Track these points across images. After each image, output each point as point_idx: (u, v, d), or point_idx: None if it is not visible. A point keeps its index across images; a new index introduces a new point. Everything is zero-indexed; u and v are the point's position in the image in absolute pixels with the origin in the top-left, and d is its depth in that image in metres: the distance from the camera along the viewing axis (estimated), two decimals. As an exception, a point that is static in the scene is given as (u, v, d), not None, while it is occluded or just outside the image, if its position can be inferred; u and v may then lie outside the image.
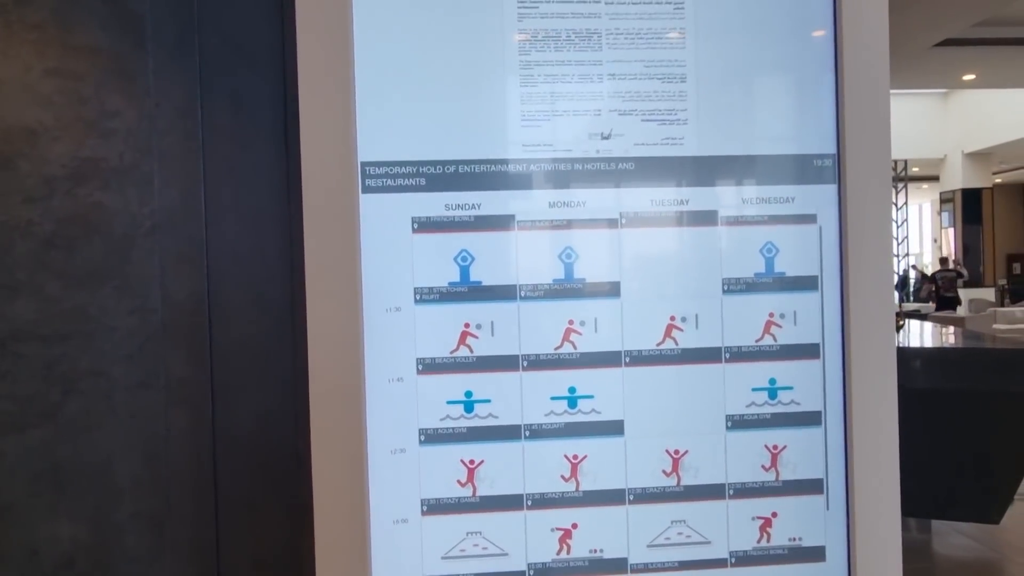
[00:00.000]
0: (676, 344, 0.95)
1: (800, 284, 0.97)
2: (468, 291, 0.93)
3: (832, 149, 0.95)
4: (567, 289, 0.94)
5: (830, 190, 0.96)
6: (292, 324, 1.10)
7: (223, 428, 1.12)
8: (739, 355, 0.96)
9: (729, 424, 0.96)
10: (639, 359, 0.95)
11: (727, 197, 0.95)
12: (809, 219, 0.97)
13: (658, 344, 0.95)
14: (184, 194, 1.12)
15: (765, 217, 0.96)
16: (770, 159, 0.96)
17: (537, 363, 0.94)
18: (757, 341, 0.96)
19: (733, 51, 0.95)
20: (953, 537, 3.44)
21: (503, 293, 0.93)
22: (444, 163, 0.91)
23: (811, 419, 0.97)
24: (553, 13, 0.92)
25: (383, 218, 0.91)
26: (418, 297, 0.92)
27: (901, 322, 3.76)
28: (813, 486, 0.97)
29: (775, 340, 0.96)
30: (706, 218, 0.96)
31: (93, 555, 1.09)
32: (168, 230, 1.11)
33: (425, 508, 0.93)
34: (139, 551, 1.10)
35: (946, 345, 3.80)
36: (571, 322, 0.94)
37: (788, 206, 0.96)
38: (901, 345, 3.59)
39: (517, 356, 0.93)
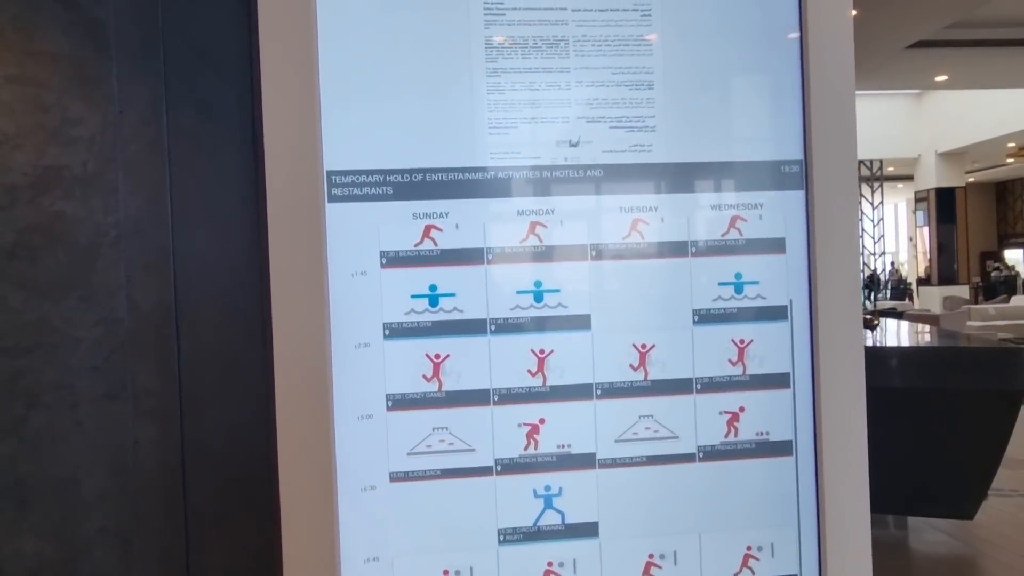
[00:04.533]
0: (642, 237, 0.95)
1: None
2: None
3: (799, 155, 0.96)
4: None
5: (797, 196, 0.96)
6: (262, 333, 1.09)
7: (192, 439, 1.10)
8: (705, 248, 0.96)
9: (696, 318, 0.96)
10: (605, 252, 0.94)
11: (695, 203, 0.95)
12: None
13: (624, 237, 0.95)
14: (150, 202, 1.10)
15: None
16: (738, 165, 0.96)
17: (502, 256, 0.93)
18: (723, 235, 0.96)
19: (700, 58, 0.95)
20: (929, 533, 3.48)
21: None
22: (411, 171, 0.90)
23: (777, 313, 0.97)
24: (520, 20, 0.91)
25: (350, 227, 0.90)
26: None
27: (876, 321, 3.80)
28: (780, 380, 0.97)
29: (741, 235, 0.96)
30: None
31: (59, 571, 1.07)
32: (134, 239, 1.09)
33: (390, 403, 0.92)
34: (107, 566, 1.08)
35: (919, 344, 3.85)
36: (537, 213, 0.93)
37: (755, 211, 0.96)
38: (876, 345, 3.63)
39: (482, 249, 0.92)
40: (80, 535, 1.08)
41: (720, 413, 0.96)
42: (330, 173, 0.89)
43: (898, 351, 3.50)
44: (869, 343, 3.62)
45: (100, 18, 1.09)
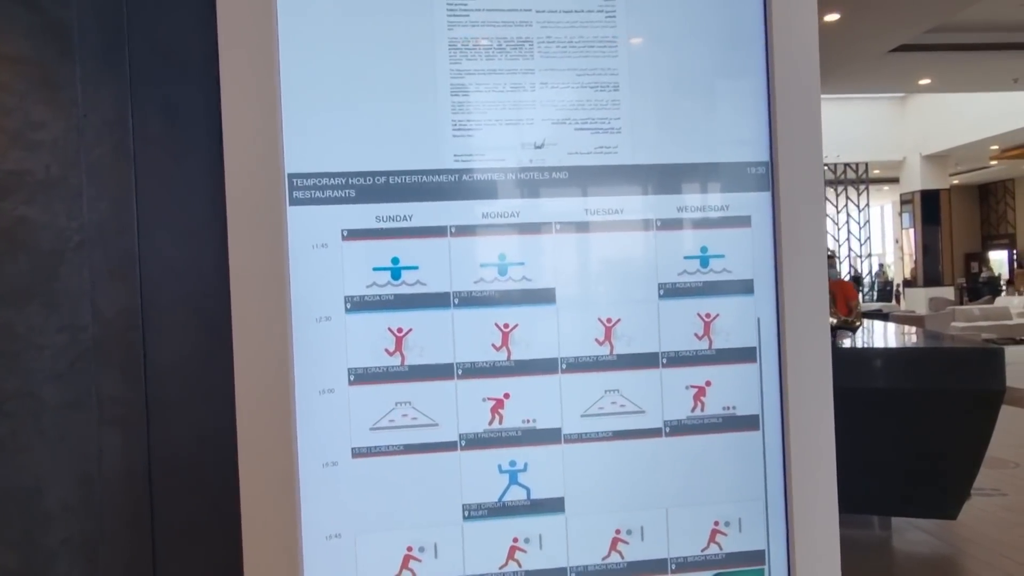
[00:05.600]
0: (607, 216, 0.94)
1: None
2: None
3: (765, 157, 0.95)
4: None
5: (764, 197, 0.96)
6: (231, 339, 1.07)
7: (159, 448, 1.08)
8: (669, 223, 0.96)
9: (661, 292, 0.95)
10: (570, 226, 0.94)
11: (661, 205, 0.95)
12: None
13: (589, 211, 0.94)
14: (115, 207, 1.08)
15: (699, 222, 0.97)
16: (704, 167, 0.95)
17: (466, 229, 0.92)
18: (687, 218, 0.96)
19: (665, 59, 0.95)
20: (912, 533, 3.50)
21: None
22: (374, 174, 0.89)
23: (743, 287, 0.96)
24: (484, 21, 0.91)
25: (311, 230, 0.89)
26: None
27: (859, 322, 3.82)
28: (746, 354, 0.96)
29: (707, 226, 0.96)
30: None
31: (22, 583, 1.05)
32: (98, 244, 1.08)
33: (352, 378, 0.91)
34: (71, 578, 1.06)
35: (901, 345, 3.87)
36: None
37: (722, 213, 0.96)
38: (858, 346, 3.65)
39: (445, 225, 0.92)
40: (44, 546, 1.06)
41: (686, 388, 0.96)
42: (291, 175, 0.88)
43: (880, 352, 3.52)
44: (852, 345, 3.64)
45: (63, 20, 1.07)
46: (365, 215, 0.89)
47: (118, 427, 1.07)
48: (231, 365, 1.06)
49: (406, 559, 0.92)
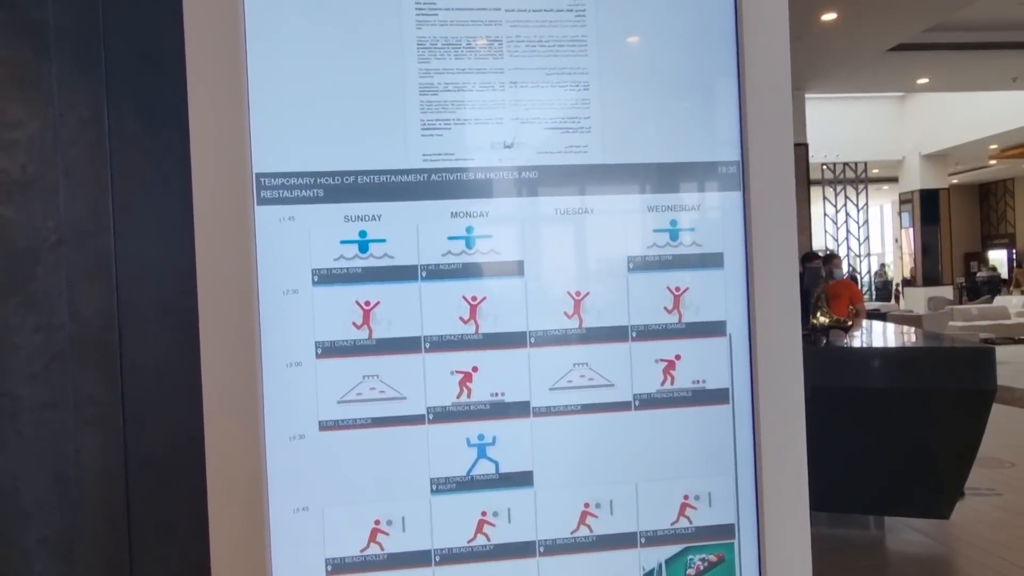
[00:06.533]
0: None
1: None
2: None
3: (736, 156, 0.95)
4: None
5: (735, 197, 0.95)
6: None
7: (136, 448, 1.08)
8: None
9: (631, 265, 0.95)
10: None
11: (631, 205, 0.94)
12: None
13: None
14: (91, 206, 1.08)
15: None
16: (674, 166, 0.95)
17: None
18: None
19: (636, 59, 0.95)
20: (906, 533, 3.49)
21: None
22: (343, 174, 0.89)
23: (713, 260, 0.96)
24: (453, 20, 0.91)
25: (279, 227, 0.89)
26: None
27: (850, 322, 3.82)
28: (716, 328, 0.96)
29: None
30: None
31: (-2, 582, 1.05)
32: (75, 244, 1.08)
33: (320, 351, 0.90)
34: (48, 577, 1.06)
35: (894, 345, 3.86)
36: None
37: (692, 213, 0.96)
38: (850, 346, 3.64)
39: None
40: (20, 546, 1.06)
41: (656, 361, 0.95)
42: (259, 175, 0.88)
43: (872, 352, 3.51)
44: (843, 344, 3.63)
45: (39, 19, 1.07)
46: (333, 215, 0.89)
47: (95, 427, 1.07)
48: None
49: (374, 532, 0.92)
